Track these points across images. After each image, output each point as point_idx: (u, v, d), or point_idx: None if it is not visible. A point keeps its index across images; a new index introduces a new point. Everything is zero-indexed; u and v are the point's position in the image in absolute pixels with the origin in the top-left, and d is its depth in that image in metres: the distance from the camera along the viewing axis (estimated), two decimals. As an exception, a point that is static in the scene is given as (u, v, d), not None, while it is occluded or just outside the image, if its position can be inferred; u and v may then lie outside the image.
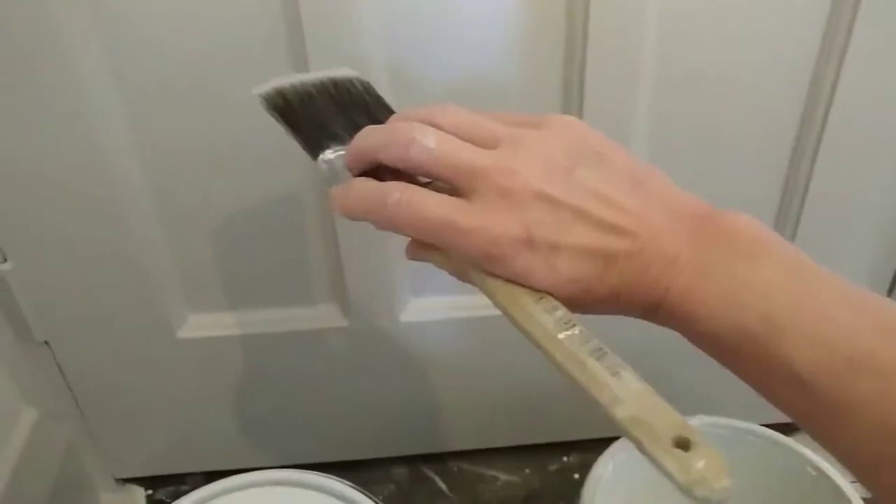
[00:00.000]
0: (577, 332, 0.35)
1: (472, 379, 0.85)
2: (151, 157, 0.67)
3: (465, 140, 0.38)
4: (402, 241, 0.68)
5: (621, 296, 0.37)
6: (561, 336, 0.35)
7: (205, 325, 0.78)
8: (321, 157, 0.43)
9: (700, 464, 0.30)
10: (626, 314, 0.38)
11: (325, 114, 0.44)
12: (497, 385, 0.86)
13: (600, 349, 0.34)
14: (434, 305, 0.78)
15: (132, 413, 0.84)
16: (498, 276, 0.37)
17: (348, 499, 0.54)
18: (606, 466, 0.67)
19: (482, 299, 0.77)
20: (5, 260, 0.70)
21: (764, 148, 0.71)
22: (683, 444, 0.31)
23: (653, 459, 0.31)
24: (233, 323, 0.78)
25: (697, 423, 0.70)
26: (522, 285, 0.37)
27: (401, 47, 0.63)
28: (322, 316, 0.78)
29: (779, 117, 0.70)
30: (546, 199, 0.36)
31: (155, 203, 0.69)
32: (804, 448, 0.68)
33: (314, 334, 0.78)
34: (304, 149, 0.43)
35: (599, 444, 0.69)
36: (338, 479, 0.55)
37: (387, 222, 0.38)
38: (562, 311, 0.36)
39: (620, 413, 0.32)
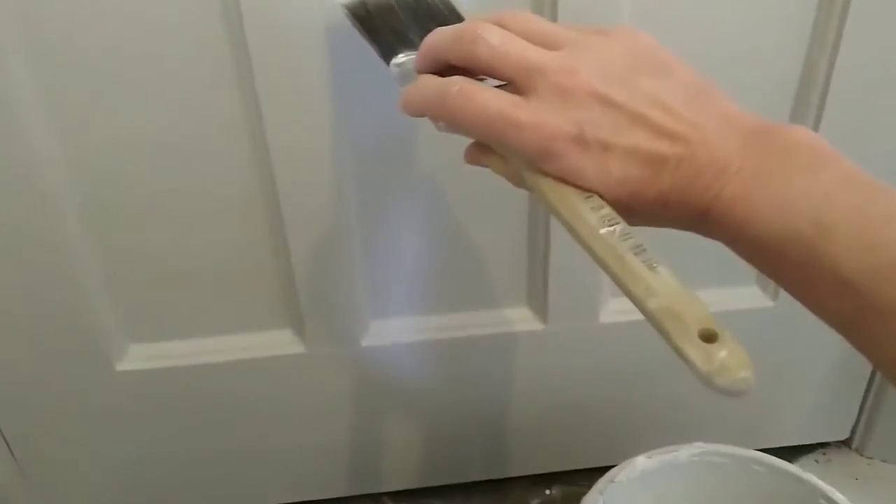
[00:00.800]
0: (618, 229, 0.37)
1: (443, 407, 0.79)
2: (88, 176, 0.61)
3: (531, 42, 0.39)
4: (360, 262, 0.63)
5: (669, 202, 0.37)
6: (602, 231, 0.37)
7: (147, 355, 0.71)
8: (393, 60, 0.45)
9: (722, 353, 0.32)
10: (672, 225, 0.39)
11: (402, 23, 0.47)
12: (471, 414, 0.80)
13: (639, 245, 0.36)
14: (398, 327, 0.72)
15: (69, 451, 0.77)
16: (549, 176, 0.38)
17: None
18: (595, 501, 0.61)
19: (449, 320, 0.72)
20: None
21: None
22: (709, 337, 0.33)
23: (678, 350, 0.33)
24: (177, 353, 0.71)
25: (696, 451, 0.65)
26: (572, 185, 0.38)
27: None
28: (276, 342, 0.72)
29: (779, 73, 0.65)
30: (602, 99, 0.37)
31: (91, 226, 0.64)
32: (811, 476, 0.63)
33: (268, 362, 0.72)
34: (378, 54, 0.46)
35: (583, 476, 0.64)
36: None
37: (446, 114, 0.39)
38: (606, 210, 0.37)
39: (652, 304, 0.34)
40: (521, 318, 0.74)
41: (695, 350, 0.32)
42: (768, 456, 0.64)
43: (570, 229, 0.38)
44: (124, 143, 0.60)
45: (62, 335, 0.68)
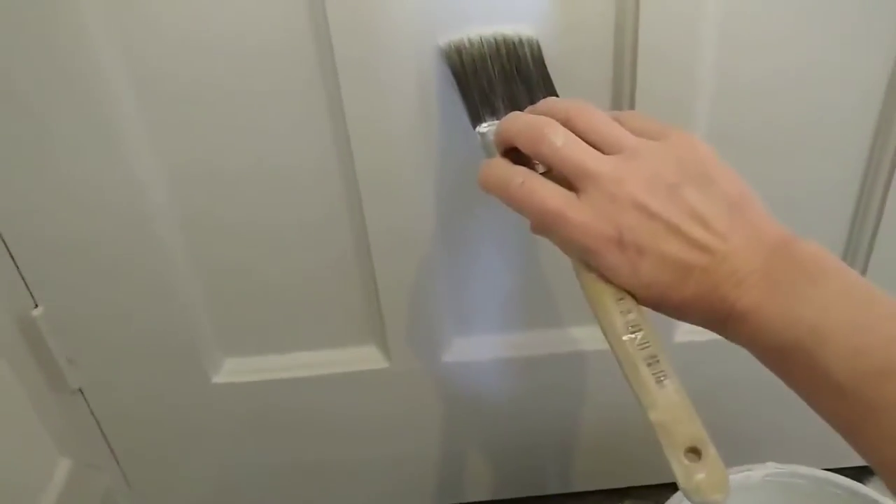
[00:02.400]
0: (639, 336, 0.41)
1: (520, 422, 0.81)
2: (188, 200, 0.65)
3: (593, 141, 0.42)
4: (443, 280, 0.66)
5: (692, 307, 0.41)
6: (625, 338, 0.41)
7: (240, 369, 0.75)
8: (478, 128, 0.50)
9: (700, 475, 0.37)
10: (698, 324, 0.42)
11: (491, 81, 0.51)
12: (546, 429, 0.82)
13: (654, 356, 0.40)
14: (479, 344, 0.75)
15: (167, 459, 0.82)
16: (591, 271, 0.42)
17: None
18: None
19: (529, 338, 0.74)
20: (36, 305, 0.68)
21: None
22: (695, 454, 0.38)
23: (669, 462, 0.38)
24: (269, 367, 0.75)
25: (770, 471, 0.66)
26: (609, 283, 0.42)
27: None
28: (361, 358, 0.75)
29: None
30: (643, 209, 0.40)
31: (191, 247, 0.68)
32: (888, 500, 0.63)
33: (353, 377, 0.75)
34: (467, 113, 0.51)
35: (654, 492, 0.65)
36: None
37: (510, 201, 0.44)
38: (634, 315, 0.41)
39: (652, 416, 0.39)
40: (589, 338, 0.75)
41: (679, 466, 0.38)
42: (844, 478, 0.64)
43: (601, 326, 0.42)
44: (223, 170, 0.64)
45: (164, 351, 0.72)
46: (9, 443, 0.69)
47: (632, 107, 0.61)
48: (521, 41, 0.53)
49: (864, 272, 0.72)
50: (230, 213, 0.66)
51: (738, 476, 0.66)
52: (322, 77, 0.59)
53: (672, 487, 0.65)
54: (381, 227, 0.66)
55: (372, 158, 0.62)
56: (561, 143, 0.42)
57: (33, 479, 0.72)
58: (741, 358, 0.72)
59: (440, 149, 0.63)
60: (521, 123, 0.44)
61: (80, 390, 0.75)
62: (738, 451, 0.69)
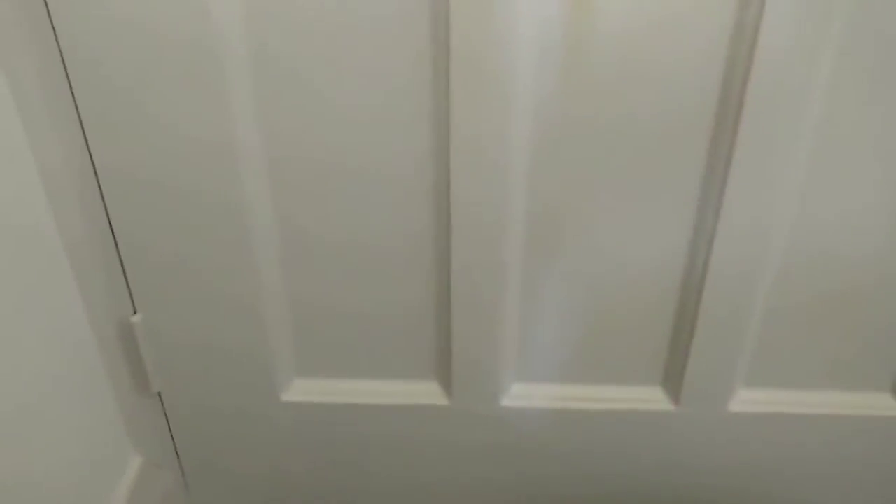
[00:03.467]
0: None
1: (565, 468, 0.84)
2: (289, 218, 0.69)
3: None
4: (514, 324, 0.68)
5: None
6: None
7: (309, 390, 0.79)
8: None
9: None
10: None
11: None
12: (590, 478, 0.85)
13: None
14: (538, 392, 0.78)
15: (227, 468, 0.86)
16: None
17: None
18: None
19: (585, 391, 0.77)
20: (136, 312, 0.73)
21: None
22: None
23: None
24: (336, 391, 0.79)
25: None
26: None
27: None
28: (425, 393, 0.79)
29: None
30: None
31: (284, 266, 0.71)
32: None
33: (415, 410, 0.79)
34: None
35: None
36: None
37: None
38: None
39: None
40: (654, 399, 0.78)
41: None
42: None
43: None
44: (322, 171, 0.66)
45: (242, 366, 0.77)
46: (92, 435, 0.73)
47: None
48: None
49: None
50: (324, 227, 0.69)
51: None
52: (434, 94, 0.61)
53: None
54: (465, 262, 0.69)
55: (469, 188, 0.64)
56: None
57: (109, 471, 0.76)
58: (792, 430, 0.76)
59: (533, 190, 0.65)
60: None
61: (159, 394, 0.79)
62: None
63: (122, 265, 0.70)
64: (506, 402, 0.78)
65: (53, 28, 0.59)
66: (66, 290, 0.68)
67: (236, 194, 0.66)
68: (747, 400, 0.76)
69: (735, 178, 0.63)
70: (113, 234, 0.69)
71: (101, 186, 0.66)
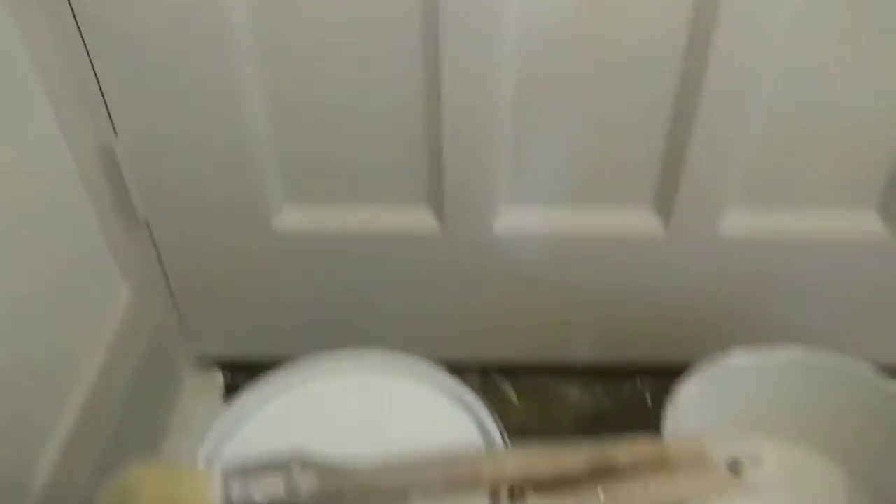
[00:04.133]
0: None
1: (557, 293, 0.85)
2: (268, 42, 0.66)
3: None
4: (508, 144, 0.67)
5: None
6: None
7: (300, 216, 0.78)
8: None
9: None
10: None
11: None
12: (581, 302, 0.86)
13: None
14: (531, 217, 0.78)
15: (220, 298, 0.87)
16: None
17: (458, 396, 0.54)
18: (690, 390, 0.67)
19: (577, 215, 0.77)
20: (116, 134, 0.71)
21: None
22: None
23: None
24: (327, 217, 0.78)
25: (796, 355, 0.70)
26: None
27: None
28: (416, 218, 0.78)
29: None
30: None
31: (266, 86, 0.69)
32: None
33: (406, 235, 0.79)
34: None
35: (675, 372, 0.69)
36: (434, 366, 0.55)
37: None
38: None
39: None
40: (645, 221, 0.78)
41: None
42: (872, 370, 0.68)
43: None
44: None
45: (230, 191, 0.75)
46: (80, 265, 0.73)
47: None
48: None
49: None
50: (307, 41, 0.66)
51: (763, 354, 0.69)
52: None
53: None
54: (456, 81, 0.66)
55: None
56: None
57: (100, 302, 0.77)
58: (781, 253, 0.76)
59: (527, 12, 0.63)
60: None
61: (147, 222, 0.78)
62: (767, 337, 0.73)
63: (98, 83, 0.68)
64: (498, 227, 0.78)
65: None
66: (42, 116, 0.66)
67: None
68: (737, 223, 0.77)
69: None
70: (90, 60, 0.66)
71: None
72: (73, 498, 0.66)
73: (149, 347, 0.83)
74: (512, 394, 0.93)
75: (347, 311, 0.86)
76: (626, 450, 0.47)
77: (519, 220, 0.78)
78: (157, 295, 0.85)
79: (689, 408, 0.65)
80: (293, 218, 0.79)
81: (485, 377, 0.94)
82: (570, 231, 0.78)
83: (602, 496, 0.45)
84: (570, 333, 0.89)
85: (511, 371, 0.95)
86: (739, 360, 0.69)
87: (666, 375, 0.70)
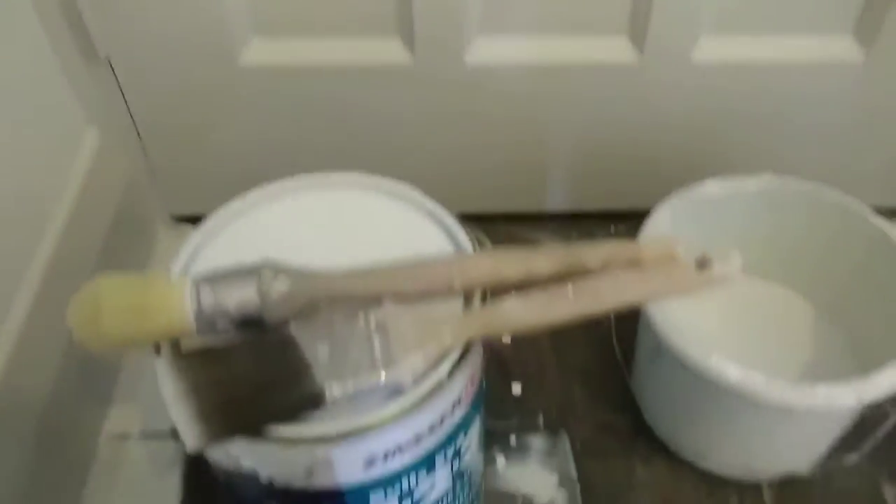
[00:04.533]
0: None
1: (530, 132, 0.84)
2: None
3: None
4: None
5: None
6: None
7: (267, 50, 0.76)
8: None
9: None
10: None
11: None
12: (555, 141, 0.85)
13: None
14: (502, 49, 0.76)
15: (189, 145, 0.85)
16: None
17: (426, 209, 0.54)
18: (662, 218, 0.67)
19: (551, 44, 0.75)
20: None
21: None
22: None
23: None
24: (295, 50, 0.76)
25: (766, 182, 0.70)
26: None
27: None
28: (386, 49, 0.76)
29: None
30: None
31: None
32: (869, 211, 0.67)
33: (377, 68, 0.77)
34: None
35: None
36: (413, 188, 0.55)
37: None
38: None
39: None
40: (620, 48, 0.77)
41: None
42: (832, 190, 0.68)
43: None
44: None
45: (193, 26, 0.73)
46: (41, 104, 0.71)
47: None
48: None
49: None
50: None
51: (735, 183, 0.70)
52: None
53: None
54: None
55: None
56: None
57: (65, 145, 0.75)
58: (755, 80, 0.75)
59: None
60: None
61: (109, 61, 0.76)
62: (736, 168, 0.73)
63: None
64: (470, 59, 0.76)
65: None
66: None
67: None
68: (710, 50, 0.76)
69: None
70: None
71: None
72: (45, 349, 0.67)
73: (120, 200, 0.82)
74: (486, 241, 0.94)
75: (318, 155, 0.85)
76: (597, 251, 0.47)
77: (491, 51, 0.76)
78: (126, 142, 0.84)
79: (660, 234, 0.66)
80: (261, 52, 0.76)
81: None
82: (544, 61, 0.77)
83: (571, 292, 0.45)
84: (543, 177, 0.89)
85: (485, 219, 0.95)
86: (712, 188, 0.69)
87: (639, 221, 0.70)
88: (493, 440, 0.75)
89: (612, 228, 0.95)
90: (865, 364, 0.57)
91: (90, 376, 0.75)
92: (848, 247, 0.69)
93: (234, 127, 0.82)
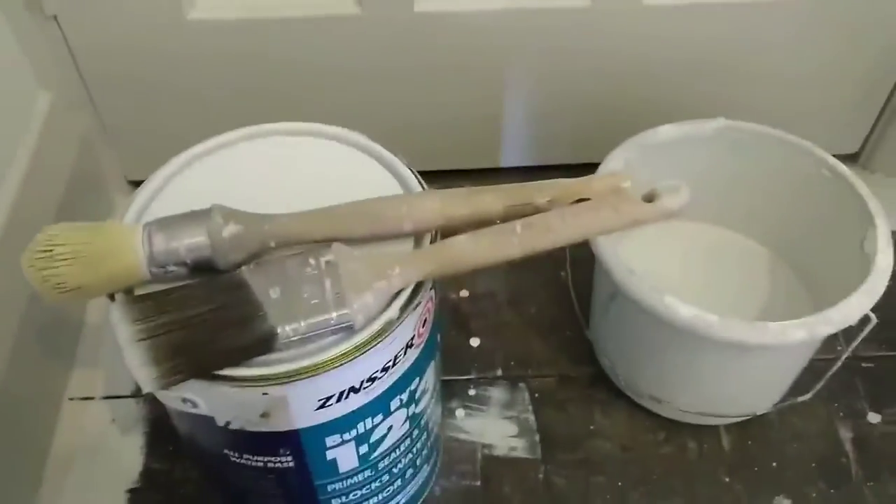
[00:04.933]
0: None
1: (486, 85, 0.84)
2: None
3: None
4: None
5: None
6: None
7: (216, 4, 0.75)
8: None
9: None
10: None
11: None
12: (513, 96, 0.85)
13: None
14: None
15: (143, 105, 0.84)
16: None
17: (375, 154, 0.54)
18: (619, 160, 0.68)
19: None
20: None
21: None
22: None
23: None
24: (243, 4, 0.75)
25: (720, 124, 0.70)
26: None
27: None
28: (334, 2, 0.76)
29: None
30: None
31: None
32: (820, 150, 0.68)
33: (326, 21, 0.76)
34: None
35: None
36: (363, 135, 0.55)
37: None
38: None
39: None
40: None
41: None
42: (783, 132, 0.69)
43: None
44: None
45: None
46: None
47: None
48: None
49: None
50: None
51: (691, 126, 0.70)
52: None
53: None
54: None
55: None
56: None
57: (16, 105, 0.74)
58: (703, 22, 0.76)
59: None
60: None
61: (56, 18, 0.75)
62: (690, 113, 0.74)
63: None
64: (420, 6, 0.76)
65: None
66: None
67: None
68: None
69: None
70: None
71: None
72: (3, 314, 0.66)
73: (74, 164, 0.81)
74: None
75: (271, 110, 0.83)
76: (545, 189, 0.48)
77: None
78: (79, 104, 0.82)
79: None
80: (208, 5, 0.75)
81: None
82: (495, 6, 0.76)
83: (519, 228, 0.46)
84: (498, 132, 0.89)
85: (439, 175, 0.94)
86: (665, 132, 0.69)
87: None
88: (452, 392, 0.76)
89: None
90: (821, 307, 0.58)
91: (50, 341, 0.75)
92: (804, 191, 0.69)
93: (185, 83, 0.81)
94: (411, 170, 0.52)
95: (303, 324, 0.42)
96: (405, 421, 0.54)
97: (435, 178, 0.92)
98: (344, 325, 0.43)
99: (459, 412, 0.75)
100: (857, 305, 0.56)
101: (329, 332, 0.43)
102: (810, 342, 0.58)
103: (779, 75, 0.84)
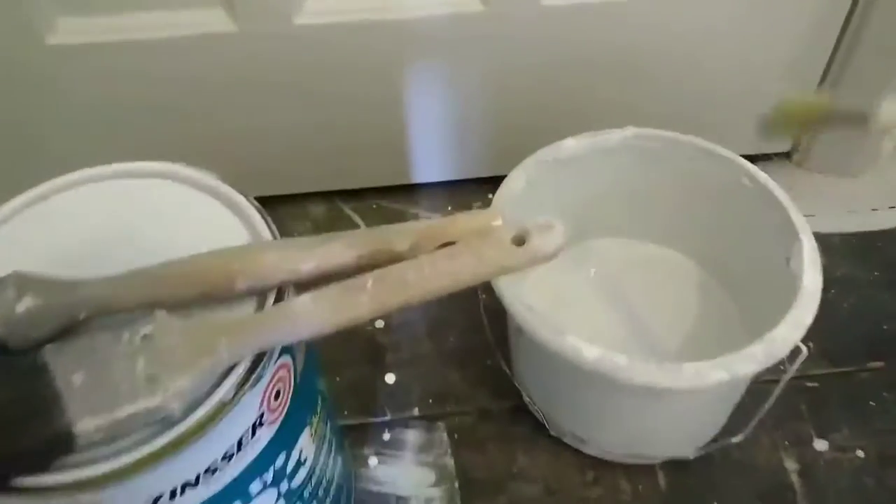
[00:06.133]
0: None
1: (380, 101, 0.78)
2: None
3: None
4: None
5: None
6: None
7: (78, 29, 0.68)
8: None
9: None
10: None
11: None
12: (421, 111, 0.79)
13: None
14: (332, 3, 0.69)
15: (9, 137, 0.76)
16: None
17: (223, 196, 0.47)
18: (519, 180, 0.62)
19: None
20: None
21: None
22: None
23: None
24: (108, 28, 0.68)
25: (628, 133, 0.64)
26: None
27: None
28: (206, 20, 0.69)
29: None
30: None
31: None
32: (737, 156, 0.62)
33: (199, 41, 0.69)
34: None
35: None
36: (214, 174, 0.48)
37: None
38: None
39: None
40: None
41: None
42: (697, 138, 0.63)
43: None
44: None
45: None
46: None
47: None
48: None
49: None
50: None
51: (596, 139, 0.64)
52: None
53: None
54: None
55: None
56: None
57: None
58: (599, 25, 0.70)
59: None
60: None
61: None
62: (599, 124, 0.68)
63: None
64: (300, 20, 0.69)
65: None
66: None
67: None
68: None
69: None
70: None
71: None
72: None
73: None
74: (357, 219, 0.88)
75: (159, 143, 0.77)
76: (404, 233, 0.41)
77: (322, 6, 0.69)
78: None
79: (516, 202, 0.60)
80: (69, 29, 0.68)
81: (330, 206, 0.89)
82: (380, 17, 0.70)
83: (370, 283, 0.39)
84: (403, 148, 0.83)
85: (353, 194, 0.89)
86: (569, 145, 0.63)
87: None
88: (364, 438, 0.70)
89: (491, 195, 0.89)
90: (752, 324, 0.53)
91: None
92: (725, 201, 0.64)
93: (51, 114, 0.74)
94: (263, 216, 0.45)
95: (105, 417, 0.35)
96: (278, 500, 0.47)
97: (349, 196, 0.88)
98: (158, 414, 0.36)
99: (372, 460, 0.69)
100: (783, 340, 0.50)
101: (143, 423, 0.36)
102: (733, 383, 0.51)
103: (698, 72, 0.78)
